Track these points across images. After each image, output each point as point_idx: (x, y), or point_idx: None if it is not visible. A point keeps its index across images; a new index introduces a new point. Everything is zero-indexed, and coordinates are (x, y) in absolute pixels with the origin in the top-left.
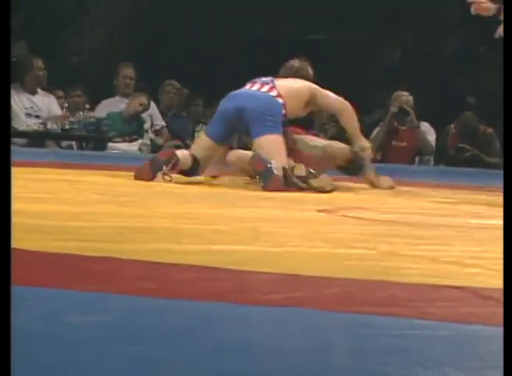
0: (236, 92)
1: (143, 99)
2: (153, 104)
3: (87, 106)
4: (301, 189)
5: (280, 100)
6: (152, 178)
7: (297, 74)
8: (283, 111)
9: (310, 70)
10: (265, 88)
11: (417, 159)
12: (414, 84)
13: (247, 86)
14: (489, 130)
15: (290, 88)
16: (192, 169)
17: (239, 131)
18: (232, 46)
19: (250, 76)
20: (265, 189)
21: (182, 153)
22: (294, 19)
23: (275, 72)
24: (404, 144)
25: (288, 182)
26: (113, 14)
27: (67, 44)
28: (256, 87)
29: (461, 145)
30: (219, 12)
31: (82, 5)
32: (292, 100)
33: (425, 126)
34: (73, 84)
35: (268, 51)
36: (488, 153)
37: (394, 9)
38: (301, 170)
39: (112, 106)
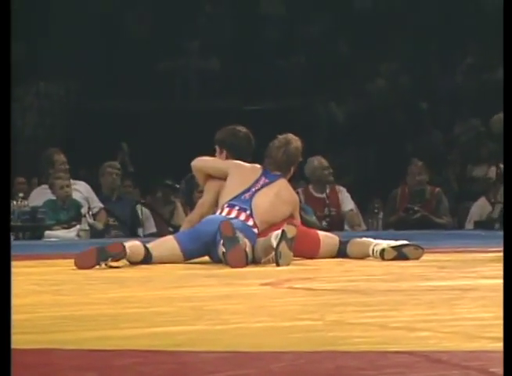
0: (213, 217)
1: (71, 182)
2: (88, 187)
3: (20, 195)
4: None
5: (255, 230)
6: (93, 266)
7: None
8: (256, 237)
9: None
10: (243, 217)
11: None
12: (359, 147)
13: (225, 211)
14: (437, 189)
15: (267, 215)
16: (145, 261)
17: (208, 252)
18: (170, 123)
19: (190, 152)
20: (227, 256)
21: (133, 246)
22: (231, 93)
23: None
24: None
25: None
26: (44, 99)
27: None
28: (234, 214)
29: (409, 206)
30: (154, 90)
31: (13, 94)
32: (267, 225)
33: (341, 192)
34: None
35: (208, 125)
36: (437, 214)
37: (330, 76)
38: (291, 231)
39: (46, 193)
